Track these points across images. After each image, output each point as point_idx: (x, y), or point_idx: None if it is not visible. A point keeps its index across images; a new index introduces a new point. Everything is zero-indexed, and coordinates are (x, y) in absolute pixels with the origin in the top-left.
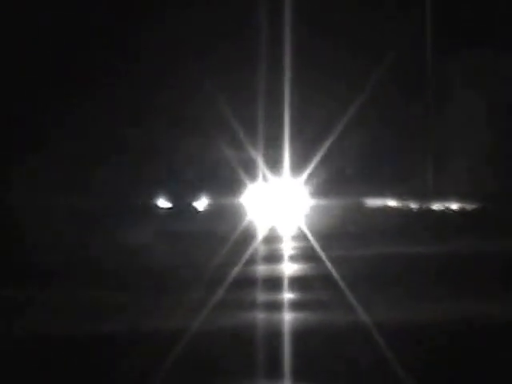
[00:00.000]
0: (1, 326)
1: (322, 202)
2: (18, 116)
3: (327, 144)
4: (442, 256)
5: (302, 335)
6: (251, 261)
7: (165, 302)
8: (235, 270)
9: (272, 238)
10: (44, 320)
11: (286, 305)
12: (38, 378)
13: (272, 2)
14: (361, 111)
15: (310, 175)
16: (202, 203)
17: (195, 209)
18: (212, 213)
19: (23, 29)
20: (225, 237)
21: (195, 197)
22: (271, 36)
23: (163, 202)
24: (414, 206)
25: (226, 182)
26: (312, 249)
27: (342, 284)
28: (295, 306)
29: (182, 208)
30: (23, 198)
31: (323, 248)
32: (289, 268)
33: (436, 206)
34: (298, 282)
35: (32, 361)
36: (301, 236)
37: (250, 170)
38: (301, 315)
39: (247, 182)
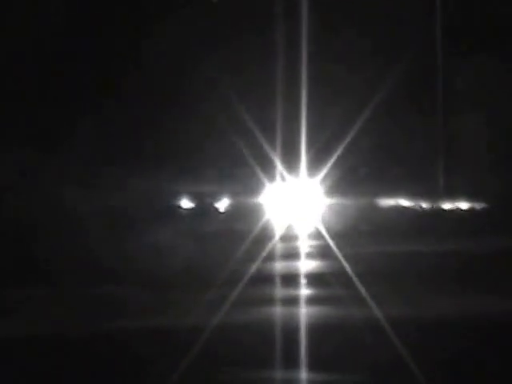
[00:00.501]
0: (27, 324)
1: (338, 201)
2: (45, 114)
3: (343, 144)
4: (454, 254)
5: (319, 329)
6: (269, 258)
7: (187, 299)
8: (254, 267)
9: (289, 237)
10: (65, 318)
11: (303, 300)
12: (63, 377)
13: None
14: (375, 112)
15: (326, 175)
16: (223, 203)
17: (217, 209)
18: (232, 213)
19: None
20: (245, 236)
21: (217, 197)
22: (288, 37)
23: (186, 203)
24: (425, 205)
25: (245, 182)
26: (328, 247)
27: (357, 280)
28: (312, 301)
29: (204, 208)
30: (50, 198)
31: (339, 246)
32: (306, 265)
33: (447, 206)
34: (314, 279)
35: (54, 360)
36: (317, 234)
37: (268, 170)
38: (318, 310)
39: (265, 181)
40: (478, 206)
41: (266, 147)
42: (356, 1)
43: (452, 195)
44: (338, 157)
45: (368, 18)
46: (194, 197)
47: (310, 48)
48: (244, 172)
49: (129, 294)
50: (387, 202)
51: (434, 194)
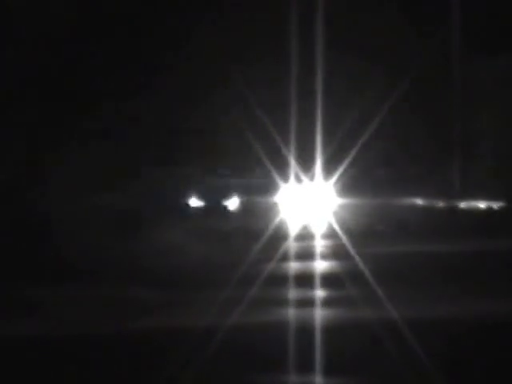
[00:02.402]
0: (50, 323)
1: (352, 201)
2: (58, 117)
3: (358, 145)
4: (469, 254)
5: (333, 330)
6: (284, 258)
7: (201, 299)
8: (268, 267)
9: (304, 236)
10: (82, 317)
11: (318, 301)
12: (79, 374)
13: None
14: (391, 113)
15: (341, 176)
16: (233, 202)
17: (226, 208)
18: (244, 212)
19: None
20: (258, 234)
21: (227, 196)
22: (304, 38)
23: (195, 201)
24: (441, 205)
25: (260, 182)
26: (342, 246)
27: (372, 281)
28: (327, 302)
29: (214, 207)
30: (62, 198)
31: (353, 246)
32: (320, 265)
33: (463, 205)
34: (329, 279)
35: (74, 358)
36: (332, 234)
37: (284, 171)
38: (333, 312)
39: (281, 182)
40: (496, 205)
41: (282, 148)
42: (372, 1)
43: (469, 194)
44: (353, 157)
45: (384, 22)
46: (203, 195)
47: (326, 50)
48: (258, 172)
49: (139, 294)
50: (403, 201)
51: (450, 194)
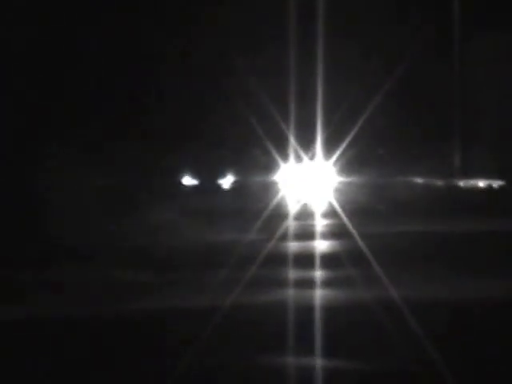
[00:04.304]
0: (45, 307)
1: (352, 180)
2: (53, 105)
3: (358, 124)
4: (469, 233)
5: (333, 310)
6: (283, 237)
7: (200, 279)
8: (268, 247)
9: (304, 215)
10: (81, 300)
11: (317, 281)
12: (87, 355)
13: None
14: (390, 92)
15: (341, 154)
16: (227, 181)
17: (220, 186)
18: (240, 190)
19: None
20: (257, 214)
21: (221, 174)
22: (304, 18)
23: (188, 180)
24: (441, 183)
25: (256, 161)
26: (343, 226)
27: (372, 260)
28: (327, 282)
29: (208, 185)
30: (52, 177)
31: (353, 225)
32: (320, 245)
33: (463, 184)
34: (329, 259)
35: (73, 341)
36: (332, 213)
37: (283, 150)
38: (332, 291)
39: (280, 160)
40: (496, 184)
41: (282, 126)
42: None
43: (469, 173)
44: (353, 137)
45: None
46: (197, 174)
47: (327, 32)
48: (256, 150)
49: (140, 276)
50: (403, 180)
51: (450, 172)
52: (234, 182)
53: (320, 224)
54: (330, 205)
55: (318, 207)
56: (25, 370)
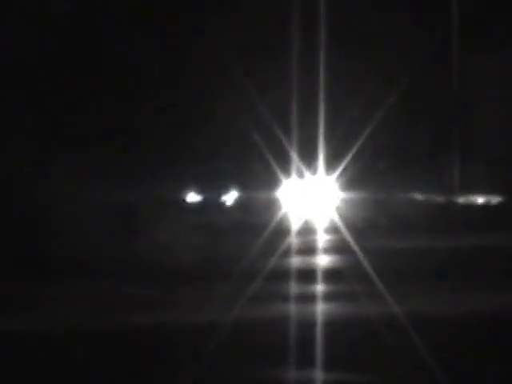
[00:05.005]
0: (49, 320)
1: (354, 196)
2: (59, 117)
3: (359, 141)
4: (469, 249)
5: (335, 325)
6: (286, 253)
7: (202, 294)
8: (270, 262)
9: (306, 231)
10: (84, 313)
11: (320, 296)
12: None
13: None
14: (391, 109)
15: (343, 171)
16: (231, 197)
17: (224, 202)
18: (243, 206)
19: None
20: (259, 230)
21: (224, 190)
22: (306, 34)
23: (192, 196)
24: (440, 199)
25: (259, 177)
26: (344, 241)
27: (374, 275)
28: (329, 297)
29: (211, 202)
30: (61, 194)
31: (355, 240)
32: (322, 260)
33: (462, 200)
34: (331, 274)
35: (74, 355)
36: (333, 228)
37: (285, 165)
38: (334, 306)
39: (282, 176)
40: (494, 200)
41: (284, 143)
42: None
43: (468, 189)
44: (355, 153)
45: (385, 18)
46: (201, 190)
47: (328, 46)
48: (258, 166)
49: (142, 290)
50: (403, 196)
51: (449, 188)
52: (237, 198)
53: (322, 239)
54: (332, 220)
55: (320, 222)
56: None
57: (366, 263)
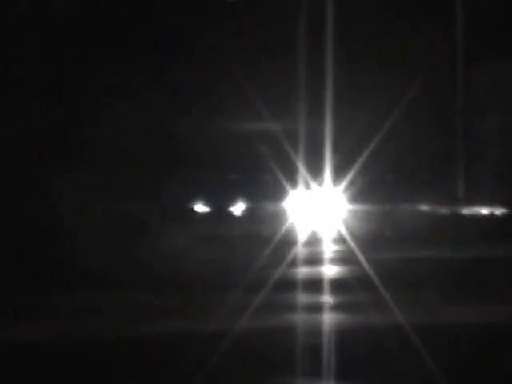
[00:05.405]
0: (61, 330)
1: (360, 207)
2: (63, 126)
3: (366, 152)
4: (475, 260)
5: (342, 336)
6: (293, 263)
7: (209, 304)
8: (277, 272)
9: (313, 242)
10: (94, 323)
11: (327, 306)
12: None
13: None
14: (397, 121)
15: (350, 182)
16: (239, 208)
17: (232, 213)
18: (250, 217)
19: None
20: (266, 240)
21: (232, 202)
22: (314, 43)
23: (200, 207)
24: (445, 211)
25: (267, 188)
26: (351, 252)
27: (381, 286)
28: (336, 307)
29: (219, 212)
30: (69, 203)
31: (362, 251)
32: (329, 271)
33: (466, 211)
34: (338, 284)
35: (83, 363)
36: (340, 239)
37: (292, 177)
38: (341, 317)
39: (289, 187)
40: (498, 211)
41: (290, 153)
42: (380, 10)
43: (472, 200)
44: (361, 164)
45: (392, 28)
46: (208, 200)
47: (335, 56)
48: (265, 177)
49: (150, 300)
50: (409, 207)
51: (454, 200)
52: (245, 209)
53: (329, 250)
54: (339, 231)
55: (327, 234)
56: None
57: (372, 273)
